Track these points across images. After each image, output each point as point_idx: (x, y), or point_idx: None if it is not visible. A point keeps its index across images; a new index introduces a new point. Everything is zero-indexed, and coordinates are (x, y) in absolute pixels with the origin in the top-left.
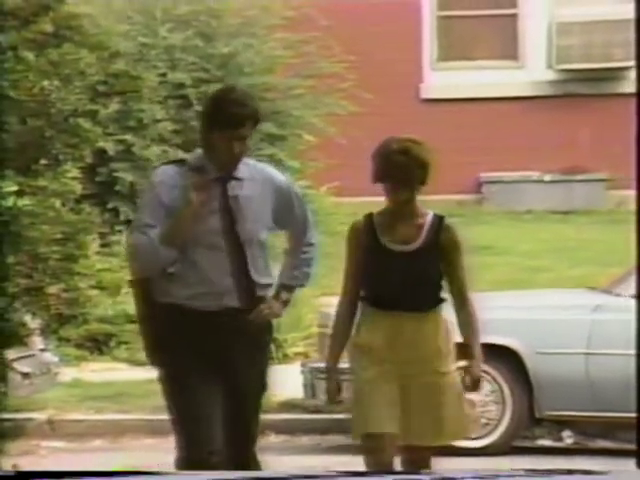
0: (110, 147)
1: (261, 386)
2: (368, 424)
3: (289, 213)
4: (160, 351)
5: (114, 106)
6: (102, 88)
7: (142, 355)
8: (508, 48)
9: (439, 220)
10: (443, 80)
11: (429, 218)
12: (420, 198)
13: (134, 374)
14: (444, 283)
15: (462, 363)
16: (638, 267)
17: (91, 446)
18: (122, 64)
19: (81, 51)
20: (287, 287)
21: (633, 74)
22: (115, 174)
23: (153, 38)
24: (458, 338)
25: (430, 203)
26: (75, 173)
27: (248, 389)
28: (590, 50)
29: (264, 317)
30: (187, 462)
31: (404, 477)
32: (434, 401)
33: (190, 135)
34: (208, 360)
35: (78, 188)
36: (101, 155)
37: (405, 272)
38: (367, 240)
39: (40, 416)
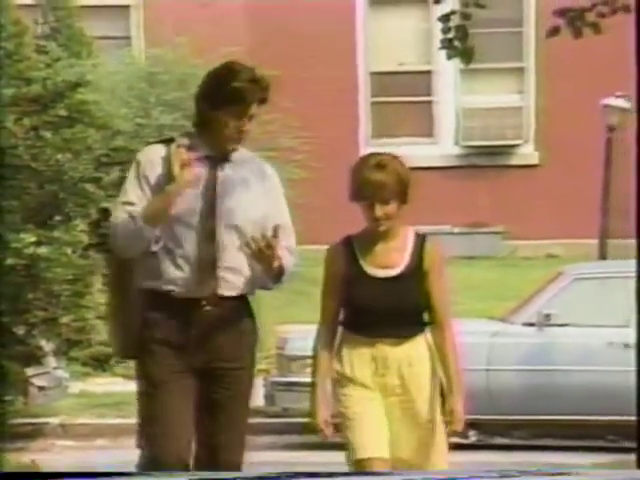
0: (111, 206)
1: (243, 385)
2: (358, 450)
3: (274, 207)
4: (136, 343)
5: (115, 174)
6: (105, 160)
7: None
8: (425, 128)
9: (421, 241)
10: None
11: (410, 239)
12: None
13: (130, 386)
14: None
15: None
16: (638, 273)
17: (95, 445)
18: (121, 140)
19: (89, 130)
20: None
21: (521, 150)
22: None
23: (147, 119)
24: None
25: None
26: (83, 227)
27: (228, 388)
28: (488, 131)
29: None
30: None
31: (405, 477)
32: (420, 429)
33: None
34: (185, 354)
35: (85, 239)
36: (104, 212)
37: (388, 298)
38: (347, 265)
39: (54, 421)
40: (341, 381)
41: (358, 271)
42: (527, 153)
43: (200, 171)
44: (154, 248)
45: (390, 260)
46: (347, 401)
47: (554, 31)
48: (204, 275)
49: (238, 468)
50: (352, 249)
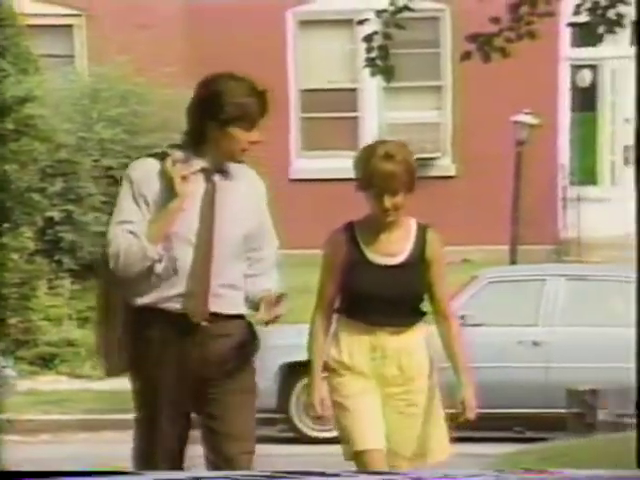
0: (56, 215)
1: (247, 393)
2: (357, 442)
3: (263, 220)
4: (134, 360)
5: (59, 184)
6: (50, 170)
7: (79, 370)
8: (351, 141)
9: (423, 230)
10: (305, 165)
11: (413, 228)
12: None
13: (73, 384)
14: (425, 296)
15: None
16: (638, 265)
17: (40, 439)
18: (65, 153)
19: (34, 143)
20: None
21: (439, 162)
22: (60, 235)
23: (89, 133)
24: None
25: (296, 257)
26: (29, 234)
27: (230, 392)
28: (408, 144)
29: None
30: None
31: (405, 477)
32: (419, 420)
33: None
34: (181, 371)
35: (32, 245)
36: (49, 220)
37: (390, 286)
38: (349, 251)
39: (1, 417)
40: (338, 370)
41: (360, 258)
42: (445, 165)
43: (197, 185)
44: (158, 267)
45: (393, 248)
46: (345, 390)
47: (466, 55)
48: (198, 291)
49: (249, 463)
50: (354, 235)
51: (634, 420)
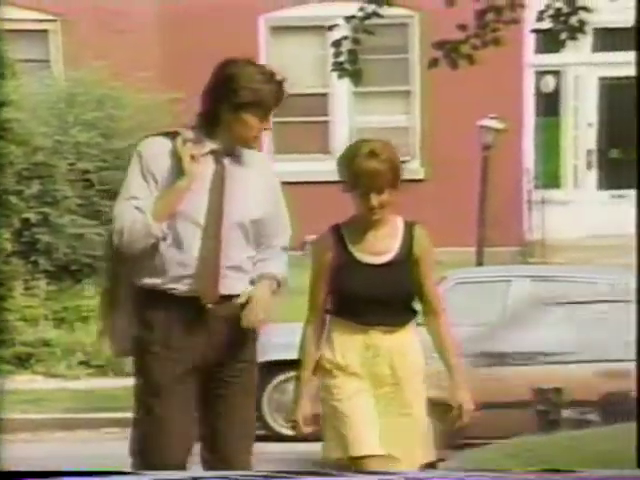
0: (32, 217)
1: (246, 379)
2: (354, 446)
3: (274, 205)
4: (139, 344)
5: (35, 187)
6: (26, 173)
7: (54, 369)
8: (323, 145)
9: (411, 227)
10: (277, 168)
11: (400, 226)
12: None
13: (49, 384)
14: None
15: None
16: (638, 266)
17: (17, 438)
18: (41, 156)
19: (11, 146)
20: (274, 277)
21: (408, 166)
22: (36, 236)
23: (65, 137)
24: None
25: None
26: (7, 235)
27: (232, 382)
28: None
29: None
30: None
31: (404, 477)
32: (411, 420)
33: (91, 207)
34: (187, 354)
35: (9, 246)
36: (25, 222)
37: (380, 285)
38: (337, 252)
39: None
40: (332, 371)
41: (348, 258)
42: (413, 168)
43: (207, 166)
44: (162, 245)
45: (381, 247)
46: (340, 394)
47: (433, 63)
48: (208, 273)
49: (247, 464)
50: (341, 237)
51: (597, 418)
